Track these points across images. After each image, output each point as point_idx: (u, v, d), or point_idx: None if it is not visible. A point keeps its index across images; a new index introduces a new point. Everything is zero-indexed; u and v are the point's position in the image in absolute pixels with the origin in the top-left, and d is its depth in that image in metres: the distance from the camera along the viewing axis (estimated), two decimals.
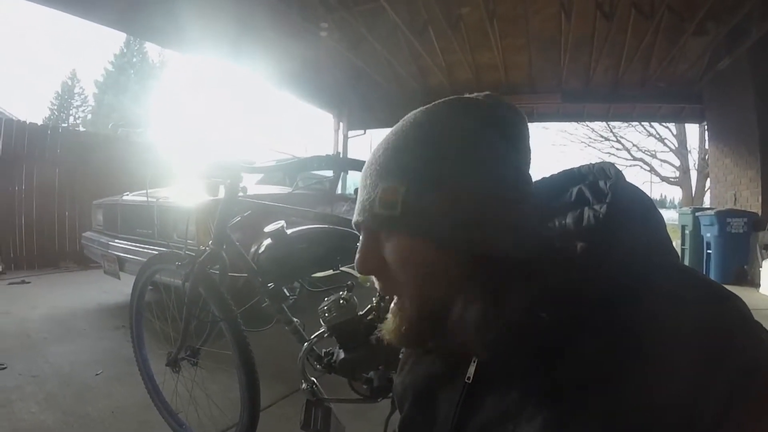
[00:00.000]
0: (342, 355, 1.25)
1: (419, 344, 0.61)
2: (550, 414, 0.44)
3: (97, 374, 2.39)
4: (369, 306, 1.25)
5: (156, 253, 2.07)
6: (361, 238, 0.59)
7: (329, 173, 4.46)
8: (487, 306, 0.51)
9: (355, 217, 0.59)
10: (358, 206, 0.58)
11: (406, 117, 0.58)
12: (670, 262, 0.50)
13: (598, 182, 0.54)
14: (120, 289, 4.02)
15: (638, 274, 0.46)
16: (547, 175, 0.62)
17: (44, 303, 3.89)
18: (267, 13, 5.66)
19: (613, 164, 0.56)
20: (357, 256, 0.58)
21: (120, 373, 2.35)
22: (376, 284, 0.59)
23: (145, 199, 3.28)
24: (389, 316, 0.59)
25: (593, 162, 0.58)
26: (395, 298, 0.58)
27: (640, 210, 0.51)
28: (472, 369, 0.56)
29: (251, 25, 5.84)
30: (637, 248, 0.48)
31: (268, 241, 1.35)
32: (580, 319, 0.45)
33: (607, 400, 0.41)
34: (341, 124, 10.15)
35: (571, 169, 0.60)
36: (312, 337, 1.30)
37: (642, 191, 0.53)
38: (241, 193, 1.46)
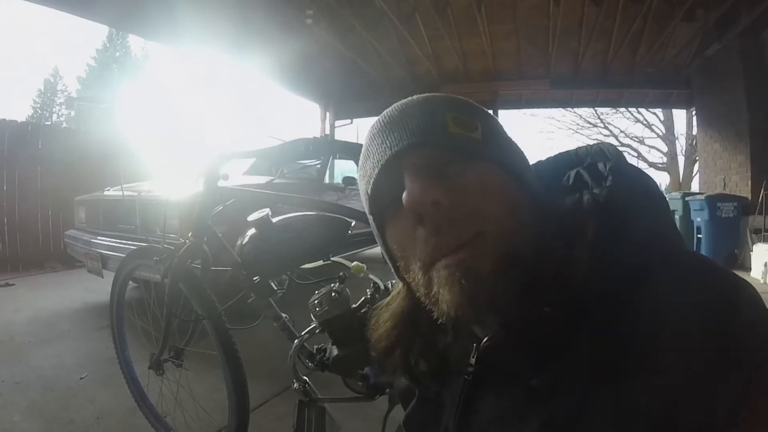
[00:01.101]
0: (335, 351, 1.18)
1: (496, 303, 0.45)
2: (555, 412, 0.42)
3: (81, 378, 2.32)
4: (363, 298, 1.18)
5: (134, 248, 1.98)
6: (413, 172, 0.47)
7: (316, 164, 4.36)
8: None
9: (403, 143, 0.48)
10: (403, 133, 0.49)
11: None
12: (675, 247, 0.47)
13: (597, 164, 0.52)
14: (105, 288, 3.86)
15: (642, 263, 0.42)
16: (543, 158, 0.60)
17: (28, 305, 3.80)
18: (259, 3, 5.64)
19: (612, 145, 0.53)
20: (424, 185, 0.45)
21: (105, 376, 2.27)
22: (441, 226, 0.45)
23: (128, 193, 3.19)
24: (441, 287, 0.46)
25: (591, 143, 0.55)
26: (461, 254, 0.44)
27: (643, 193, 0.48)
28: (472, 363, 0.53)
29: (243, 16, 5.85)
30: (640, 235, 0.45)
31: (252, 231, 1.26)
32: (583, 313, 0.42)
33: (614, 396, 0.39)
34: (328, 113, 10.06)
35: (568, 152, 0.57)
36: (303, 333, 1.22)
37: (644, 173, 0.50)
38: (222, 180, 1.37)
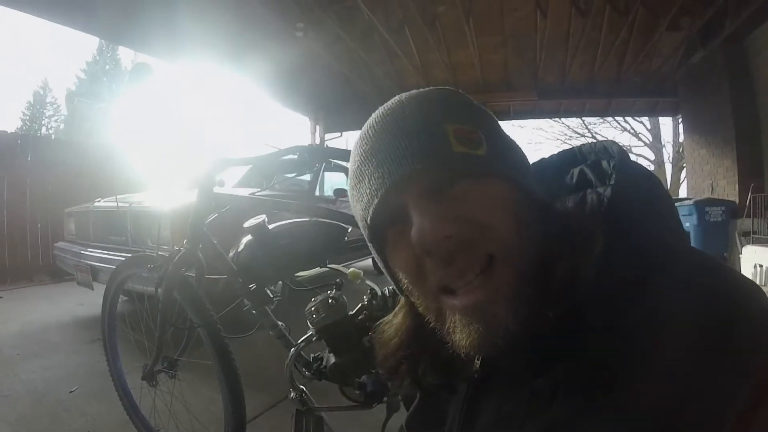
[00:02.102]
0: (332, 359, 1.16)
1: (510, 333, 0.44)
2: (556, 415, 0.42)
3: (71, 391, 2.27)
4: (360, 305, 1.17)
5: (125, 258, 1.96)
6: (419, 205, 0.45)
7: (306, 177, 4.37)
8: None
9: (403, 170, 0.45)
10: (402, 156, 0.45)
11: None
12: (681, 247, 0.46)
13: (601, 162, 0.51)
14: (96, 301, 3.81)
15: (646, 265, 0.41)
16: (546, 156, 0.59)
17: (17, 318, 3.73)
18: (249, 17, 5.68)
19: (615, 142, 0.52)
20: (434, 219, 0.43)
21: (96, 389, 2.23)
22: (452, 258, 0.44)
23: (120, 204, 3.16)
24: (457, 332, 0.45)
25: (595, 141, 0.54)
26: (473, 295, 0.44)
27: (648, 192, 0.47)
28: (477, 366, 0.53)
29: (234, 30, 5.89)
30: (644, 236, 0.44)
31: (248, 238, 1.25)
32: (586, 316, 0.41)
33: (615, 400, 0.38)
34: (318, 127, 10.12)
35: (572, 149, 0.56)
36: (299, 341, 1.21)
37: (648, 171, 0.49)
38: (218, 187, 1.36)
